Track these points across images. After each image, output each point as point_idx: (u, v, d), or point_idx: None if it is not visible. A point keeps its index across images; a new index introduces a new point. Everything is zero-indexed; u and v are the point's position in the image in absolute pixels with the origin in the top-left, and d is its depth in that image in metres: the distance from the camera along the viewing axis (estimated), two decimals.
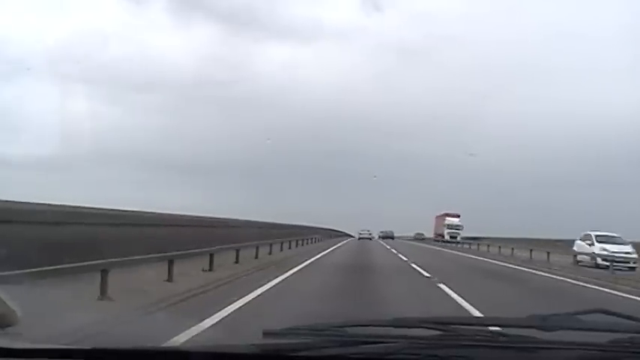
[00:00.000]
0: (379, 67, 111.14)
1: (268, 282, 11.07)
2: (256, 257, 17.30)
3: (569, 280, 16.13)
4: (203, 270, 12.34)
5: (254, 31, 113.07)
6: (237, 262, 15.09)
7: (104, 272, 7.55)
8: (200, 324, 5.96)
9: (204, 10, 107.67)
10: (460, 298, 9.73)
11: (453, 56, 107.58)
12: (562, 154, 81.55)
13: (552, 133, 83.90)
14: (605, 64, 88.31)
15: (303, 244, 29.26)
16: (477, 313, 7.85)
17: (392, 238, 68.93)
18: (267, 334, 1.98)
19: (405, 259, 22.14)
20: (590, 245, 24.29)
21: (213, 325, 6.18)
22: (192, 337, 5.20)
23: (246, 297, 8.72)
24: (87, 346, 1.94)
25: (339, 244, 36.40)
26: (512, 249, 29.77)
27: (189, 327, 5.55)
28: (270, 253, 19.32)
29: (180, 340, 4.83)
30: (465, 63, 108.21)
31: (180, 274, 10.55)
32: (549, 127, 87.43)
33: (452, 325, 2.03)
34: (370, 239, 60.93)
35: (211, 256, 12.99)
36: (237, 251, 15.53)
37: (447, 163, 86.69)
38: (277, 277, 12.32)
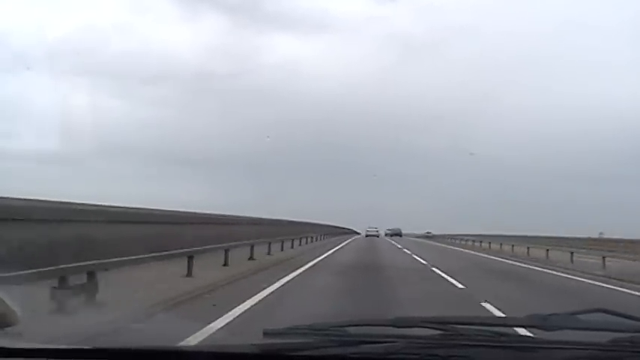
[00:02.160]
0: (386, 60, 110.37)
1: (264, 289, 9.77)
2: (251, 258, 15.88)
3: None
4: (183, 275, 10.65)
5: (259, 23, 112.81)
6: (226, 264, 13.45)
7: (62, 279, 6.53)
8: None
9: (209, 2, 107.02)
10: None
11: (462, 49, 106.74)
12: (573, 148, 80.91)
13: (563, 127, 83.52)
14: (617, 57, 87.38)
15: (307, 242, 28.76)
16: None
17: (400, 235, 68.50)
18: (267, 333, 1.98)
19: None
20: None
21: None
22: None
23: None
24: (87, 345, 1.94)
25: (344, 243, 35.20)
26: None
27: None
28: (269, 253, 18.07)
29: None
30: (474, 56, 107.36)
31: (154, 280, 8.97)
32: (558, 122, 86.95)
33: (452, 325, 2.03)
34: (377, 236, 60.67)
35: (190, 258, 10.93)
36: (227, 252, 13.71)
37: (455, 159, 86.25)
38: (275, 281, 11.05)
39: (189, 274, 10.70)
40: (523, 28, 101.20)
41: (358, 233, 66.34)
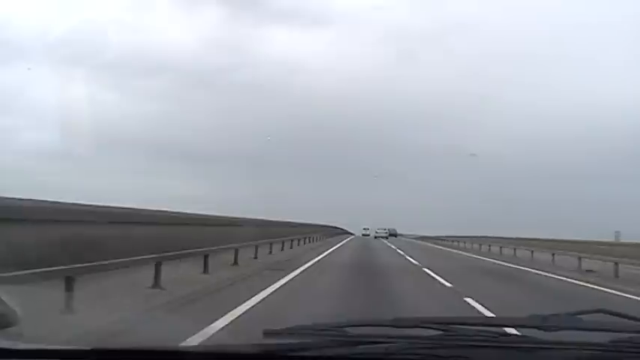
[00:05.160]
0: (385, 57, 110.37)
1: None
2: (235, 263, 14.24)
3: None
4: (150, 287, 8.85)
5: (258, 17, 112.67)
6: (205, 271, 11.70)
7: None
8: None
9: None
10: None
11: (462, 46, 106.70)
12: (582, 146, 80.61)
13: (569, 125, 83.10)
14: (622, 53, 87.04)
15: (300, 244, 28.07)
16: None
17: (395, 236, 69.09)
18: (267, 333, 1.98)
19: None
20: None
21: None
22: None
23: None
24: (87, 346, 1.94)
25: (336, 246, 33.77)
26: None
27: None
28: (255, 257, 16.71)
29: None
30: (473, 53, 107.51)
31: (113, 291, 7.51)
32: (564, 119, 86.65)
33: (452, 325, 2.03)
34: (386, 237, 61.06)
35: (157, 265, 8.99)
36: (206, 257, 11.84)
37: (454, 159, 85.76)
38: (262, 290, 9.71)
39: (155, 284, 8.96)
40: (525, 25, 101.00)
41: (352, 234, 65.86)
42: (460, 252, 35.17)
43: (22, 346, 1.91)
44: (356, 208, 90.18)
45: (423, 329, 1.98)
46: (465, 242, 43.97)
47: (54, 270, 6.17)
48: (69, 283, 6.36)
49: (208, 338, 5.26)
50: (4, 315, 1.93)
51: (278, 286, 10.61)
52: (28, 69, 63.63)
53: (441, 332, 1.96)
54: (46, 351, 1.95)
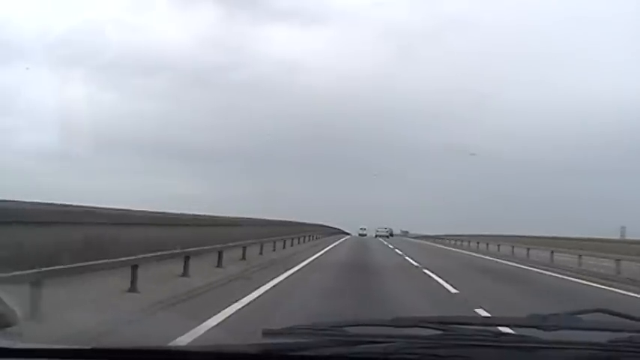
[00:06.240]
0: (386, 56, 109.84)
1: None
2: (219, 266, 13.21)
3: None
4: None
5: (256, 15, 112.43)
6: (185, 274, 10.78)
7: None
8: None
9: None
10: None
11: (460, 43, 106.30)
12: (573, 142, 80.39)
13: (565, 120, 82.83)
14: (624, 48, 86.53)
15: (294, 243, 27.28)
16: None
17: (392, 235, 69.88)
18: (266, 333, 1.98)
19: None
20: None
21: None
22: None
23: None
24: (87, 345, 1.94)
25: (332, 246, 32.97)
26: None
27: None
28: (243, 258, 15.75)
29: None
30: (473, 51, 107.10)
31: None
32: (558, 116, 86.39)
33: (452, 325, 2.03)
34: (388, 237, 62.43)
35: (133, 268, 8.48)
36: (187, 259, 10.95)
37: (451, 157, 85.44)
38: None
39: (132, 288, 8.45)
40: (524, 22, 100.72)
41: (349, 234, 65.52)
42: (462, 251, 34.62)
43: (21, 345, 1.91)
44: (353, 207, 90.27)
45: (422, 329, 1.98)
46: (462, 241, 43.56)
47: (24, 274, 5.80)
48: (38, 284, 5.95)
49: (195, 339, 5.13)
50: (4, 315, 1.93)
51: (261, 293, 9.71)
52: (27, 69, 63.70)
53: (440, 332, 1.96)
54: (45, 350, 1.95)
